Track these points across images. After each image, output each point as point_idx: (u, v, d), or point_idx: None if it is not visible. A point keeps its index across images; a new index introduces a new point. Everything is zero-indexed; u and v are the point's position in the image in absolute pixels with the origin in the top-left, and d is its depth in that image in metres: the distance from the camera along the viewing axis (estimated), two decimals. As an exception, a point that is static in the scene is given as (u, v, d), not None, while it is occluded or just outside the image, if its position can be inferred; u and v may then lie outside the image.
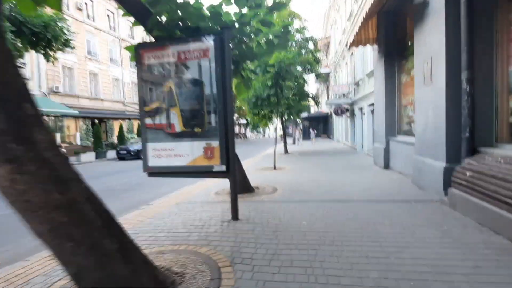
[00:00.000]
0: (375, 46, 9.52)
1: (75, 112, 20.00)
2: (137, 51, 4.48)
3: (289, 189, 6.60)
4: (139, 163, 16.18)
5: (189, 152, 4.37)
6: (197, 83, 4.32)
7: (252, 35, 5.32)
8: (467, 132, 4.81)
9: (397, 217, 4.21)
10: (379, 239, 3.40)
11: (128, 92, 27.50)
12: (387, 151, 8.69)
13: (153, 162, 4.55)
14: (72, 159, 16.56)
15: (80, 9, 23.11)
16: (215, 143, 4.24)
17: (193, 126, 4.36)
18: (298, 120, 40.86)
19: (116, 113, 25.83)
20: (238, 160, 6.28)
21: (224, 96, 4.21)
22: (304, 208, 4.88)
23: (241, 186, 6.27)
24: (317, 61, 15.31)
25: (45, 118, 19.64)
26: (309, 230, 3.80)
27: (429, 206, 4.69)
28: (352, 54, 16.67)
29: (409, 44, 7.68)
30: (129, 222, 4.68)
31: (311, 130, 27.73)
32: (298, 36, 15.86)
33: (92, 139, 21.85)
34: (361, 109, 14.70)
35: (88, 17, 23.95)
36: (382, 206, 4.83)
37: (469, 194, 4.13)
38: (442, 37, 5.12)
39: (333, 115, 25.22)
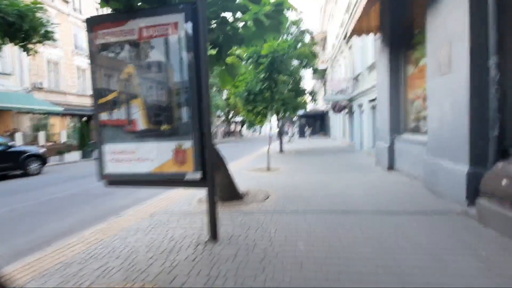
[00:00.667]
0: (378, 35, 8.62)
1: (59, 109, 18.91)
2: (89, 27, 3.52)
3: (283, 194, 5.70)
4: None
5: (155, 155, 3.43)
6: (164, 67, 3.38)
7: (238, 13, 4.39)
8: (496, 130, 3.94)
9: (417, 236, 3.32)
10: (400, 273, 2.51)
11: (119, 88, 26.36)
12: (391, 150, 7.82)
13: (111, 168, 3.61)
14: (55, 159, 15.53)
15: (66, 2, 21.92)
16: (188, 144, 3.31)
17: (160, 122, 3.43)
18: (295, 118, 39.90)
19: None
20: (224, 162, 5.37)
21: (199, 84, 3.28)
22: (301, 222, 3.98)
23: (227, 192, 5.36)
24: (314, 55, 14.38)
25: (29, 115, 18.55)
26: (306, 258, 2.90)
27: (452, 220, 3.81)
28: (350, 47, 15.78)
29: (417, 31, 6.79)
30: (86, 241, 3.76)
31: (306, 128, 26.88)
32: (293, 29, 14.93)
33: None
34: (360, 105, 13.83)
35: (75, 9, 22.75)
36: (395, 219, 3.94)
37: (507, 209, 3.26)
38: (464, 16, 4.23)
39: (330, 112, 24.36)
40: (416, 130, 6.93)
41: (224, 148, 23.65)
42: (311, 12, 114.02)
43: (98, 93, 3.62)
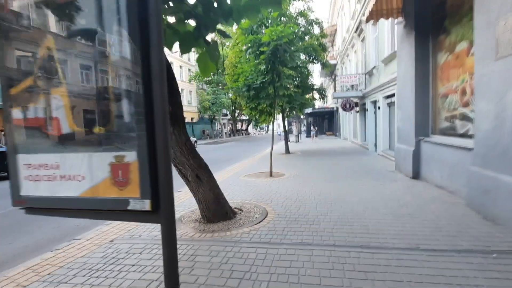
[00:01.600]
0: (399, 19, 7.27)
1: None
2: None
3: (285, 213, 4.47)
4: None
5: (85, 171, 2.25)
6: (97, 40, 2.18)
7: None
8: None
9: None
10: None
11: (121, 86, 25.49)
12: (417, 155, 6.48)
13: (28, 188, 2.45)
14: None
15: None
16: (131, 156, 2.11)
17: (92, 123, 2.24)
18: (302, 116, 38.40)
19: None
20: (208, 172, 4.17)
21: (148, 65, 2.07)
22: (306, 263, 2.76)
23: (212, 211, 4.17)
24: (323, 48, 13.03)
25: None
26: None
27: (534, 270, 2.52)
28: (362, 40, 14.36)
29: (453, 9, 5.44)
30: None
31: (311, 127, 25.47)
32: (301, 20, 13.58)
33: None
34: (374, 102, 12.44)
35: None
36: (445, 263, 2.67)
37: None
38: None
39: (340, 110, 22.91)
40: (451, 131, 5.59)
41: (228, 147, 22.56)
42: (320, 6, 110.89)
43: (7, 80, 2.45)
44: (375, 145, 12.52)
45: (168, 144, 2.09)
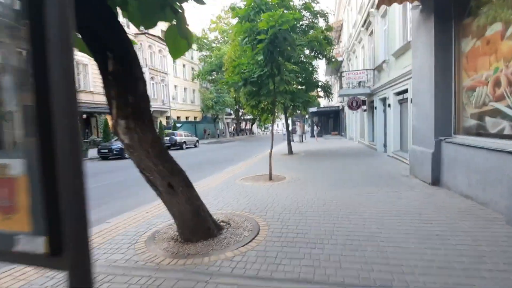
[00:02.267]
0: (416, 4, 6.35)
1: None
2: None
3: (281, 229, 3.64)
4: (121, 163, 13.45)
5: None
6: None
7: None
8: None
9: None
10: None
11: (122, 84, 24.87)
12: (436, 158, 5.57)
13: None
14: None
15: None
16: (17, 167, 1.30)
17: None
18: (307, 116, 37.39)
19: (108, 107, 23.26)
20: (185, 180, 3.36)
21: (40, 35, 1.25)
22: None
23: (189, 228, 3.35)
24: (329, 41, 12.12)
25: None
26: None
27: None
28: (371, 34, 13.41)
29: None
30: None
31: (315, 127, 24.54)
32: (305, 13, 12.71)
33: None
34: (384, 100, 11.50)
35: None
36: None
37: None
38: None
39: (346, 109, 21.97)
40: (480, 130, 4.68)
41: (230, 147, 21.77)
42: (326, 1, 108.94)
43: None
44: (384, 145, 11.58)
45: (79, 150, 1.15)
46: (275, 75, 6.77)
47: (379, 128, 12.11)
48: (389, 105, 10.34)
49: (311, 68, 12.77)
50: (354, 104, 14.66)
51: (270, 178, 7.26)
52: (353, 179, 6.79)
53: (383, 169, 8.14)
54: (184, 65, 33.57)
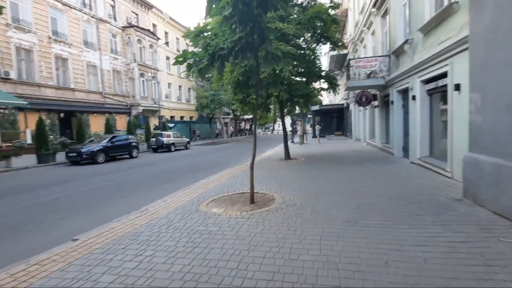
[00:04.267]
0: None
1: (23, 102, 15.13)
2: None
3: None
4: (92, 169, 11.05)
5: None
6: None
7: None
8: None
9: None
10: None
11: (108, 81, 22.54)
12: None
13: None
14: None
15: (41, -20, 18.16)
16: None
17: None
18: (309, 115, 34.59)
19: (92, 105, 20.97)
20: None
21: None
22: None
23: None
24: (334, 20, 9.61)
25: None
26: None
27: None
28: (384, 14, 10.90)
29: None
30: None
31: (316, 126, 21.97)
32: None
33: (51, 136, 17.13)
34: (404, 91, 9.00)
35: (53, -10, 19.00)
36: None
37: None
38: None
39: (352, 106, 19.40)
40: None
41: (223, 149, 19.14)
42: None
43: None
44: (405, 149, 9.08)
45: None
46: (255, 44, 4.31)
47: (397, 127, 9.59)
48: (413, 97, 7.83)
49: (312, 54, 10.30)
50: (364, 99, 12.16)
51: (252, 201, 4.82)
52: (377, 206, 4.31)
53: (413, 184, 5.65)
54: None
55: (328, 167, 8.39)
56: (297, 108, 14.79)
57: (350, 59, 10.94)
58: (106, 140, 13.98)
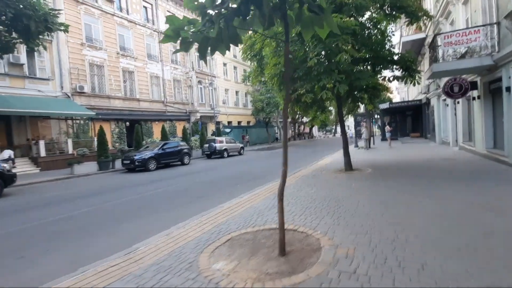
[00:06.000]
0: None
1: (91, 113, 16.12)
2: None
3: None
4: (141, 177, 10.41)
5: None
6: None
7: None
8: None
9: None
10: None
11: (169, 90, 23.17)
12: None
13: None
14: (65, 172, 12.35)
15: (111, 1, 19.52)
16: None
17: None
18: (377, 116, 29.70)
19: (155, 114, 21.73)
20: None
21: None
22: None
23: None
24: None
25: (69, 121, 16.40)
26: None
27: None
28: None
29: None
30: None
31: (386, 128, 18.15)
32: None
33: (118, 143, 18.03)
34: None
35: (121, 9, 20.27)
36: None
37: None
38: None
39: (435, 100, 15.36)
40: None
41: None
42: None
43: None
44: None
45: None
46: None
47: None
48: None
49: (379, 35, 7.75)
50: (456, 89, 8.84)
51: (282, 252, 2.88)
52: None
53: None
54: (235, 67, 30.78)
55: (410, 185, 5.78)
56: (360, 106, 12.05)
57: (436, 35, 7.91)
58: (158, 147, 13.66)
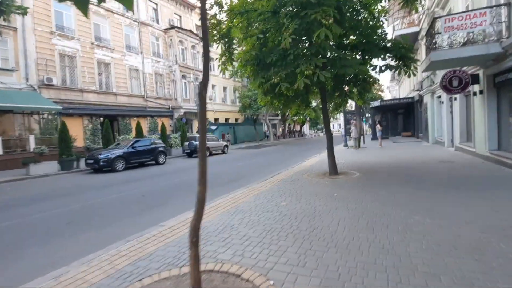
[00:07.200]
0: None
1: (57, 107, 14.58)
2: None
3: None
4: (104, 179, 9.26)
5: None
6: None
7: None
8: None
9: None
10: None
11: (150, 84, 21.65)
12: None
13: None
14: (20, 172, 10.90)
15: (85, -13, 17.83)
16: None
17: None
18: (367, 114, 28.64)
19: (134, 109, 20.22)
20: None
21: None
22: None
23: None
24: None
25: (35, 116, 14.83)
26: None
27: None
28: None
29: None
30: None
31: (376, 126, 17.07)
32: None
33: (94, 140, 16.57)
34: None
35: (96, -4, 18.62)
36: None
37: None
38: None
39: (428, 98, 14.32)
40: None
41: (261, 154, 15.02)
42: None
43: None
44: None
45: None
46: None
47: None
48: None
49: (369, 19, 6.62)
50: (456, 83, 7.76)
51: None
52: None
53: None
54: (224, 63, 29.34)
55: (405, 197, 4.62)
56: (350, 102, 10.95)
57: (435, 18, 6.76)
58: (128, 145, 12.27)
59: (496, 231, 2.99)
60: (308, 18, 4.54)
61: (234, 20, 5.74)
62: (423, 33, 13.89)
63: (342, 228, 3.34)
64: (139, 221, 4.44)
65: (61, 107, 14.71)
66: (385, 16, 7.19)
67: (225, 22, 5.94)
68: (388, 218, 3.58)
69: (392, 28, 17.59)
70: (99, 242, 3.49)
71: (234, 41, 6.17)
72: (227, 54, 6.27)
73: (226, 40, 6.10)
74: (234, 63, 6.64)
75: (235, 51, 6.41)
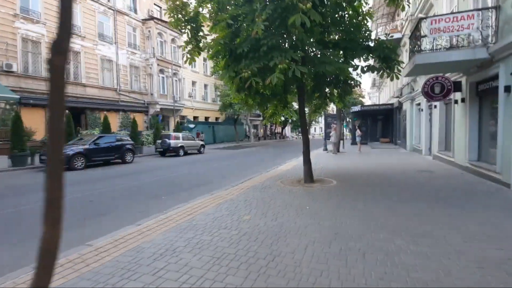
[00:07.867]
0: None
1: (15, 96, 13.07)
2: None
3: None
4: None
5: None
6: None
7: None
8: None
9: None
10: None
11: (124, 77, 20.27)
12: None
13: None
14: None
15: (52, -33, 16.31)
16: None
17: None
18: (348, 119, 28.66)
19: (105, 103, 18.79)
20: None
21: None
22: None
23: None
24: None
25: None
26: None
27: None
28: None
29: None
30: None
31: (356, 132, 16.84)
32: None
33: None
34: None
35: (66, -22, 17.08)
36: None
37: None
38: None
39: (408, 105, 14.19)
40: None
41: (239, 156, 14.18)
42: None
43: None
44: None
45: None
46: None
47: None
48: None
49: (353, 16, 6.08)
50: (438, 90, 7.41)
51: None
52: None
53: None
54: (205, 59, 28.34)
55: (387, 213, 4.03)
56: (330, 105, 10.46)
57: (421, 19, 6.32)
58: (90, 141, 11.10)
59: (495, 266, 2.43)
60: (283, 3, 3.85)
61: (203, 3, 4.96)
62: (405, 39, 13.73)
63: (310, 255, 2.67)
64: (66, 236, 3.55)
65: (18, 96, 13.19)
66: (370, 18, 6.71)
67: (193, 5, 5.14)
68: (366, 243, 2.95)
69: (376, 34, 17.46)
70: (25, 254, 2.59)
71: (204, 27, 5.39)
72: (193, 42, 5.47)
73: (194, 26, 5.31)
74: (203, 53, 5.84)
75: (204, 40, 5.62)
